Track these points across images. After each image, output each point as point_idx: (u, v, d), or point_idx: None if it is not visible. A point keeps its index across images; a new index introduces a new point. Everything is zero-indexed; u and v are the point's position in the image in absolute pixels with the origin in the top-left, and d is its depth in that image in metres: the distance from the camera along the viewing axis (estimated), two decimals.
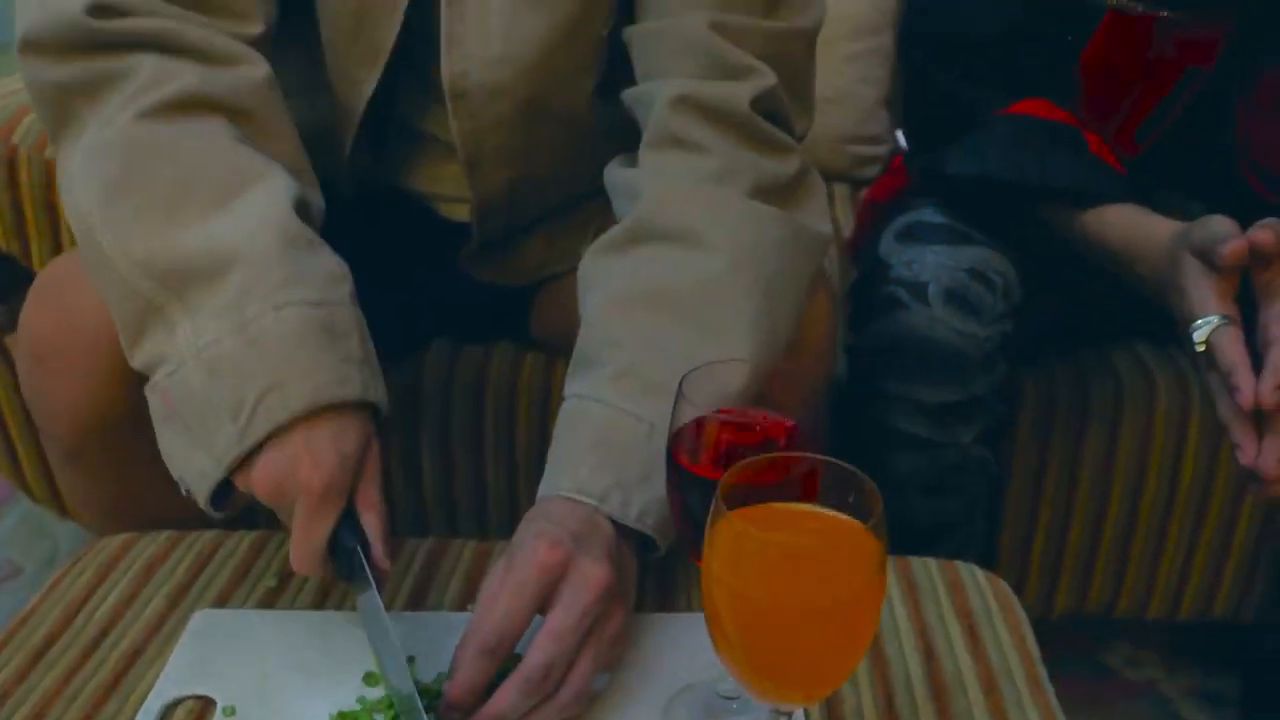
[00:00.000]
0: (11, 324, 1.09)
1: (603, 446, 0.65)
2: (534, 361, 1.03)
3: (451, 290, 0.99)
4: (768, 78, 0.77)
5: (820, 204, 0.80)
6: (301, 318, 0.61)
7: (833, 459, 0.47)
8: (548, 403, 1.02)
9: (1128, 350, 1.08)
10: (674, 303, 0.69)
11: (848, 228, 1.30)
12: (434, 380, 1.03)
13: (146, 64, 0.68)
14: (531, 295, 1.01)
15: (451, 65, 0.81)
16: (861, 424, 0.91)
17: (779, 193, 0.77)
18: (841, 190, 1.42)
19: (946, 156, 0.90)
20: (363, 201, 0.94)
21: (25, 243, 1.06)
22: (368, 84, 0.84)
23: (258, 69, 0.71)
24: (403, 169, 0.94)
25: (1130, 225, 0.83)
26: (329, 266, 0.65)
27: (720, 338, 0.68)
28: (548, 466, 0.67)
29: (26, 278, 1.07)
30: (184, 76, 0.67)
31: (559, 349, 0.99)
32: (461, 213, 0.93)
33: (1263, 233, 0.71)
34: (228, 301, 0.61)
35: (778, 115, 0.79)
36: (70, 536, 1.39)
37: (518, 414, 1.03)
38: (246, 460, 0.60)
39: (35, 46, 0.69)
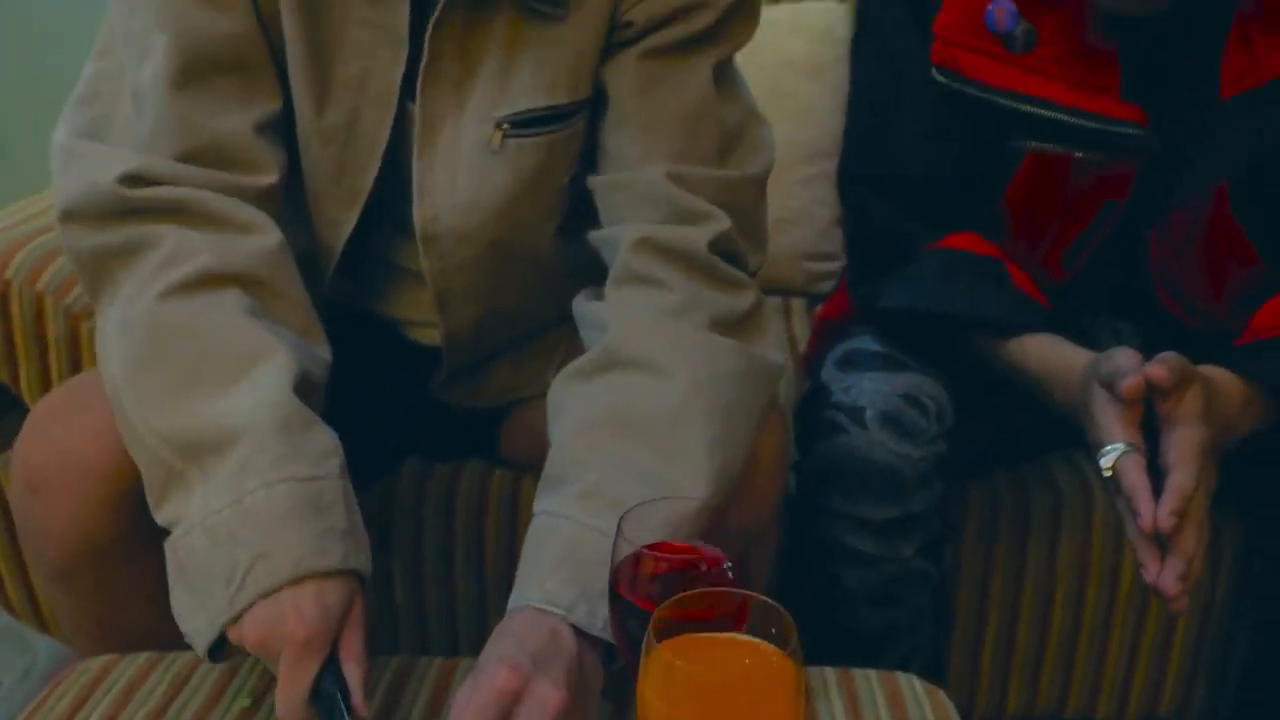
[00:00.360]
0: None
1: (570, 560, 0.70)
2: (503, 479, 1.08)
3: (423, 411, 1.05)
4: (722, 222, 0.84)
5: (773, 336, 0.87)
6: (291, 493, 0.68)
7: (755, 594, 0.53)
8: (516, 519, 1.07)
9: (1066, 461, 1.14)
10: (637, 428, 0.75)
11: (804, 340, 1.36)
12: (406, 498, 1.08)
13: (170, 236, 0.76)
14: (500, 416, 1.06)
15: (423, 212, 0.88)
16: (811, 538, 0.96)
17: (735, 326, 0.83)
18: (799, 304, 1.49)
19: (881, 290, 0.96)
20: (340, 327, 0.99)
21: (15, 370, 1.11)
22: (346, 224, 0.91)
23: (271, 237, 0.79)
24: (377, 296, 1.01)
25: (1047, 355, 0.90)
26: (321, 444, 0.72)
27: (680, 460, 0.74)
28: (517, 578, 0.72)
29: (15, 403, 1.13)
30: (202, 253, 0.75)
31: (527, 467, 1.05)
32: (433, 337, 0.99)
33: (1157, 368, 0.78)
34: (231, 474, 0.68)
35: (732, 255, 0.86)
36: (50, 650, 1.42)
37: (486, 530, 1.08)
38: (237, 618, 0.67)
39: (75, 216, 0.78)
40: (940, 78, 0.94)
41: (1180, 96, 0.92)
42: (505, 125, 0.86)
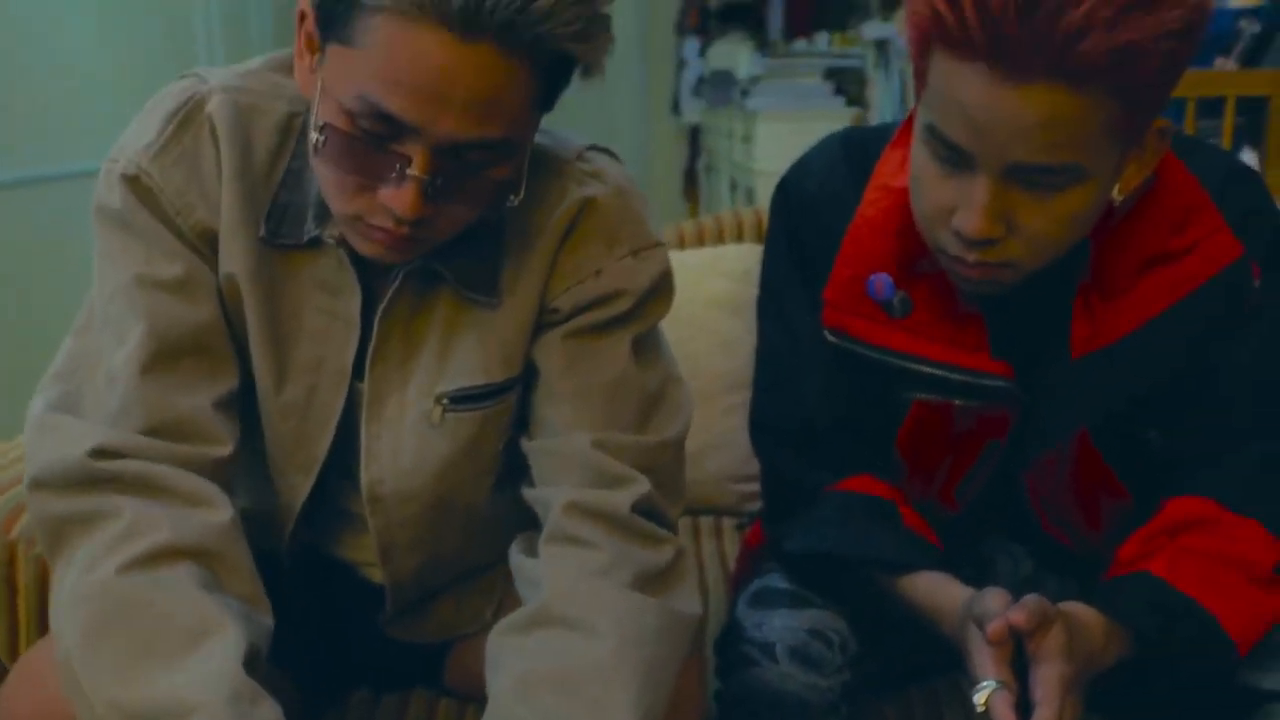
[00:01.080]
0: None
1: None
2: (448, 708, 1.14)
3: (372, 644, 1.12)
4: (643, 485, 0.94)
5: (691, 586, 0.96)
6: None
7: None
8: None
9: None
10: (569, 685, 0.83)
11: (733, 558, 1.45)
12: None
13: (129, 509, 0.83)
14: (445, 649, 1.14)
15: (369, 475, 0.98)
16: None
17: (657, 580, 0.92)
18: (729, 524, 1.58)
19: (785, 532, 1.06)
20: (294, 565, 1.08)
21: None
22: (303, 487, 1.00)
23: (224, 513, 0.87)
24: (330, 540, 1.09)
25: (935, 591, 0.98)
26: (267, 716, 0.78)
27: (608, 714, 0.82)
28: None
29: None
30: (161, 528, 0.83)
31: (471, 697, 1.12)
32: (380, 576, 1.06)
33: (1018, 613, 0.87)
34: None
35: (654, 513, 0.95)
36: None
37: None
38: None
39: (43, 484, 0.85)
40: (831, 339, 1.04)
41: (1039, 356, 1.02)
42: (445, 401, 0.96)
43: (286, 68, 0.93)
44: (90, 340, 0.92)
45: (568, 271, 0.95)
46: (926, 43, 0.88)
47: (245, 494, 1.03)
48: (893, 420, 1.08)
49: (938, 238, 0.95)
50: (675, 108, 6.31)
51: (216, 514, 0.86)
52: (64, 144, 2.84)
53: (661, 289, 0.99)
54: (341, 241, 0.91)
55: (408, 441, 0.98)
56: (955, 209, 0.91)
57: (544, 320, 0.97)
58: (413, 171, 0.81)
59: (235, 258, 0.92)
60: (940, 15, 0.83)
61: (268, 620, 0.87)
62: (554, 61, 0.82)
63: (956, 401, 1.04)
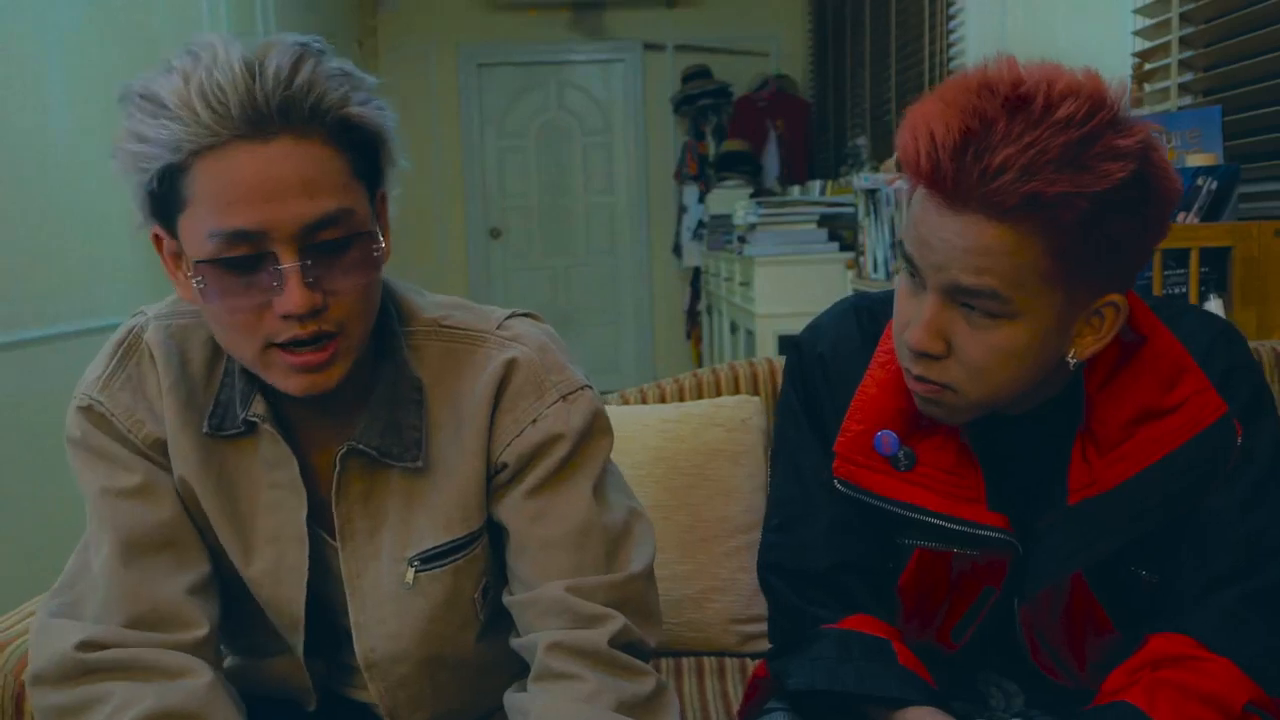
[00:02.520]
0: None
1: None
2: None
3: None
4: (618, 620, 1.02)
5: (672, 717, 1.02)
6: None
7: None
8: None
9: None
10: None
11: (736, 699, 1.50)
12: None
13: (119, 691, 0.93)
14: None
15: (362, 645, 1.07)
16: None
17: (640, 709, 0.99)
18: (732, 664, 1.63)
19: (789, 668, 1.11)
20: (322, 711, 1.15)
21: None
22: (298, 646, 1.09)
23: (203, 678, 0.97)
24: (346, 683, 1.17)
25: None
26: None
27: None
28: None
29: None
30: (147, 698, 0.92)
31: None
32: None
33: None
34: None
35: (631, 645, 1.02)
36: None
37: None
38: None
39: (41, 679, 0.96)
40: (841, 489, 1.12)
41: (1037, 503, 1.09)
42: (415, 563, 1.05)
43: None
44: (84, 555, 1.04)
45: (507, 427, 1.05)
46: (906, 174, 0.99)
47: (271, 648, 1.12)
48: (896, 566, 1.14)
49: (900, 352, 1.05)
50: (676, 251, 6.50)
51: (197, 679, 0.96)
52: (84, 303, 2.97)
53: (595, 427, 1.08)
54: (266, 418, 1.01)
55: (388, 607, 1.06)
56: (907, 326, 1.01)
57: (495, 477, 1.06)
58: (285, 265, 0.89)
59: (183, 458, 1.03)
60: (906, 149, 0.96)
61: None
62: (348, 133, 0.92)
63: (955, 550, 1.11)
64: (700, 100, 6.23)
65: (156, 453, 1.03)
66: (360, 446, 1.02)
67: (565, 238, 6.78)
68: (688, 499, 1.62)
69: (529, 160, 6.75)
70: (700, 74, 6.31)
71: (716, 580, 1.63)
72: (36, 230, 2.76)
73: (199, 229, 0.90)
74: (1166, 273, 1.94)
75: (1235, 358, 1.08)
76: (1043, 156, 0.90)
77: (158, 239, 0.96)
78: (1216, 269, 1.95)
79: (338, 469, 1.03)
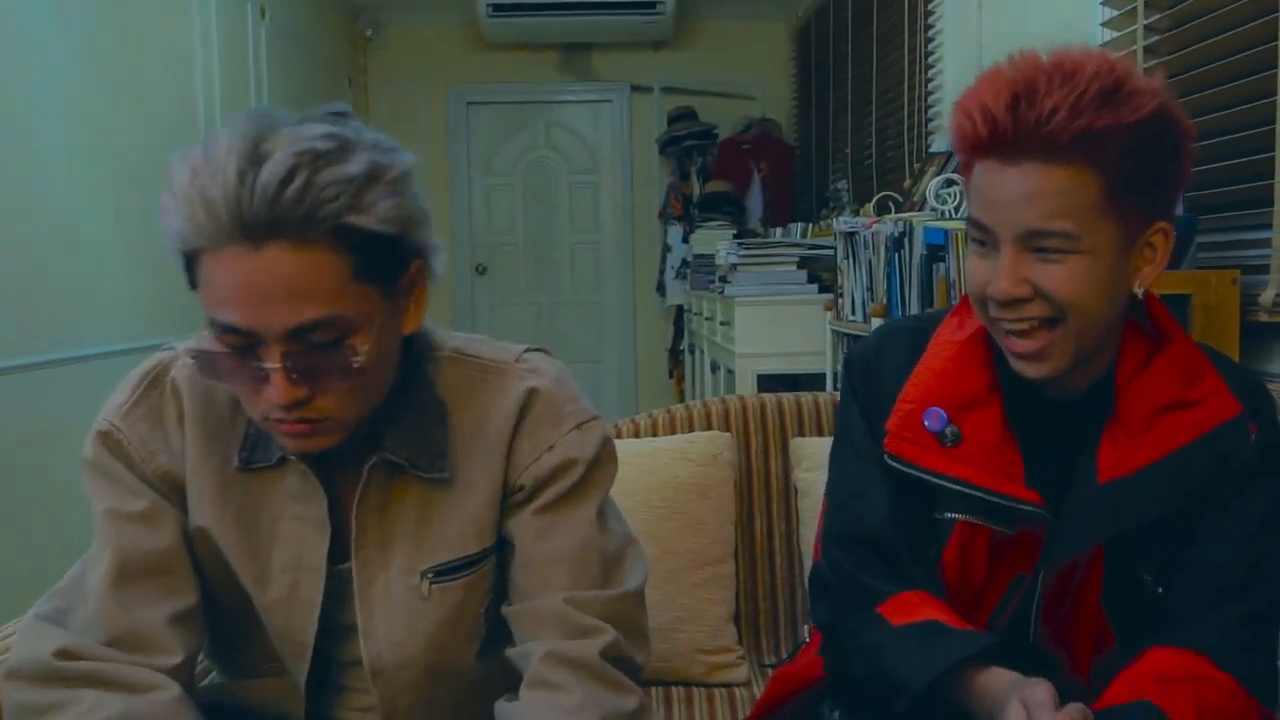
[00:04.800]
0: None
1: None
2: None
3: None
4: (610, 634, 1.07)
5: None
6: None
7: None
8: None
9: None
10: None
11: None
12: None
13: (87, 698, 0.97)
14: None
15: (369, 650, 1.11)
16: None
17: None
18: (700, 694, 1.66)
19: (850, 663, 1.18)
20: None
21: None
22: (301, 672, 1.12)
23: (169, 692, 1.00)
24: (338, 707, 1.19)
25: (984, 677, 1.09)
26: None
27: None
28: None
29: None
30: (112, 706, 0.96)
31: None
32: None
33: (1068, 714, 0.98)
34: None
35: (621, 660, 1.07)
36: None
37: None
38: None
39: (15, 674, 0.99)
40: (891, 462, 1.19)
41: (1068, 483, 1.17)
42: (430, 575, 1.10)
43: None
44: (84, 566, 1.08)
45: (526, 452, 1.12)
46: (963, 156, 1.12)
47: (267, 674, 1.16)
48: (938, 545, 1.20)
49: (986, 315, 1.15)
50: (660, 290, 6.56)
51: (165, 694, 0.99)
52: (80, 330, 3.01)
53: (605, 454, 1.15)
54: (304, 456, 1.06)
55: (399, 616, 1.10)
56: (989, 282, 1.11)
57: (510, 498, 1.13)
58: (268, 365, 0.94)
59: (202, 490, 1.08)
60: (962, 127, 1.09)
61: None
62: (349, 238, 0.94)
63: (993, 527, 1.18)
64: (686, 141, 6.31)
65: (165, 484, 1.08)
66: (390, 457, 1.07)
67: (550, 275, 6.84)
68: (657, 531, 1.66)
69: (515, 198, 6.82)
70: (686, 115, 6.40)
71: (685, 611, 1.67)
72: (26, 260, 2.80)
73: (207, 308, 0.96)
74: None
75: (1263, 400, 1.19)
76: (1084, 98, 1.03)
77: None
78: (1176, 315, 2.00)
79: (364, 480, 1.08)
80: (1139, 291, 1.13)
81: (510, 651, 1.11)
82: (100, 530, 1.06)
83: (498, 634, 1.15)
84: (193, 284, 0.97)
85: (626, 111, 6.75)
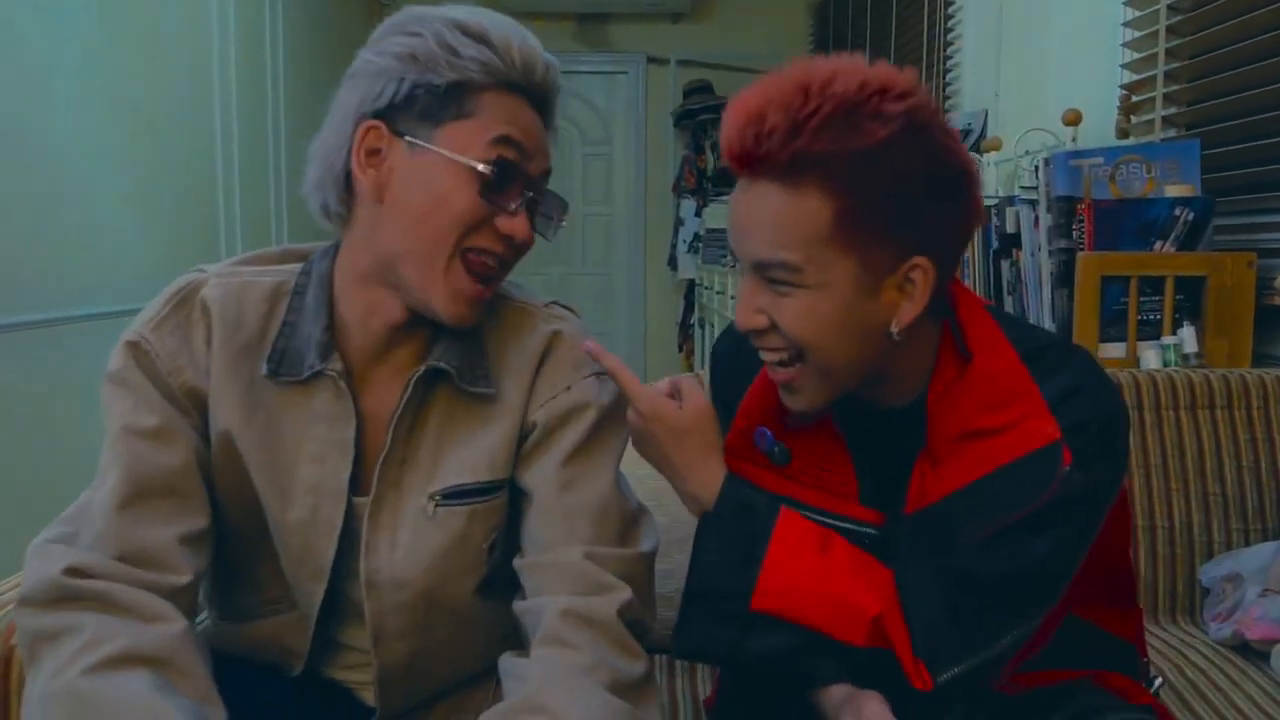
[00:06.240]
0: None
1: None
2: None
3: None
4: (626, 592, 1.07)
5: (655, 702, 1.06)
6: None
7: None
8: None
9: None
10: None
11: (704, 696, 1.54)
12: None
13: (91, 624, 0.96)
14: None
15: (369, 563, 1.12)
16: None
17: (630, 689, 1.03)
18: (702, 664, 1.67)
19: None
20: (300, 691, 1.19)
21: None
22: (318, 593, 1.13)
23: (177, 625, 0.99)
24: (331, 663, 1.21)
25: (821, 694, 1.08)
26: None
27: None
28: None
29: None
30: (118, 637, 0.95)
31: None
32: (370, 696, 1.19)
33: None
34: None
35: (634, 622, 1.08)
36: None
37: None
38: None
39: (26, 600, 0.99)
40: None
41: (893, 507, 1.12)
42: (438, 497, 1.11)
43: (272, 259, 1.16)
44: (91, 493, 1.07)
45: (543, 390, 1.14)
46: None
47: (262, 615, 1.17)
48: None
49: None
50: (672, 264, 6.55)
51: (170, 626, 0.99)
52: (89, 288, 3.02)
53: (620, 408, 1.17)
54: (340, 375, 1.09)
55: (403, 534, 1.11)
56: None
57: (529, 440, 1.14)
58: (530, 195, 1.08)
59: (228, 407, 1.09)
60: (722, 143, 1.04)
61: (219, 715, 0.97)
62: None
63: None
64: (701, 115, 6.29)
65: (189, 400, 1.09)
66: (440, 364, 1.10)
67: (561, 247, 6.83)
68: (665, 500, 1.67)
69: None
70: (702, 89, 6.38)
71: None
72: (37, 220, 2.81)
73: (476, 139, 1.05)
74: (1142, 299, 2.00)
75: (1093, 409, 1.04)
76: (810, 120, 0.96)
77: (371, 131, 1.07)
78: (1191, 297, 2.01)
79: (407, 392, 1.10)
80: (894, 332, 1.03)
81: (519, 605, 1.11)
82: (111, 448, 1.06)
83: (499, 580, 1.16)
84: (425, 115, 1.06)
85: (642, 83, 6.72)
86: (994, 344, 1.08)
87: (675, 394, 1.17)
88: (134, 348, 1.08)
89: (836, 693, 1.07)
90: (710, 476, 1.14)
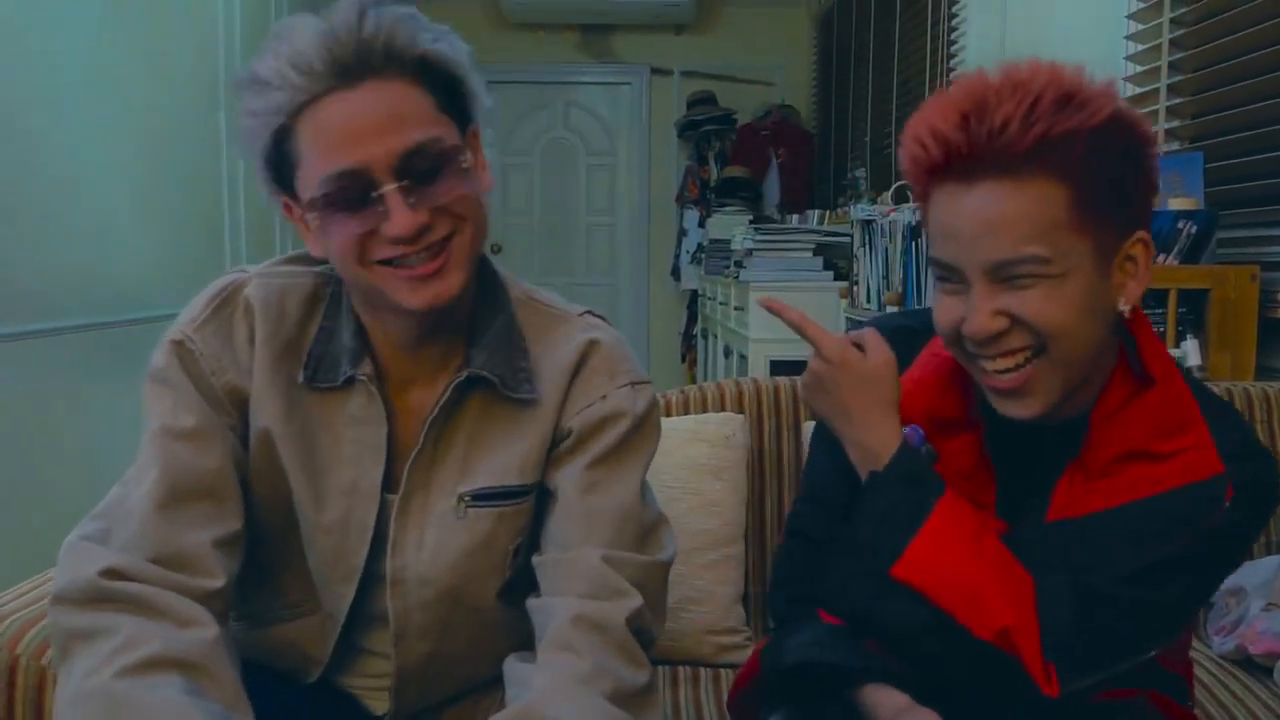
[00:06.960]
0: None
1: None
2: None
3: None
4: (636, 599, 1.08)
5: (657, 714, 1.07)
6: None
7: None
8: None
9: None
10: None
11: (710, 709, 1.55)
12: None
13: (126, 625, 0.96)
14: None
15: (395, 561, 1.13)
16: None
17: (632, 699, 1.03)
18: (706, 674, 1.67)
19: (783, 649, 1.16)
20: (313, 698, 1.20)
21: None
22: (347, 597, 1.14)
23: (210, 630, 0.99)
24: (345, 671, 1.21)
25: (877, 695, 1.09)
26: None
27: None
28: None
29: None
30: (152, 642, 0.95)
31: None
32: (383, 706, 1.19)
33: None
34: None
35: (642, 630, 1.08)
36: None
37: None
38: None
39: (60, 599, 0.99)
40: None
41: (1027, 515, 1.13)
42: (467, 498, 1.12)
43: (313, 260, 1.15)
44: (125, 487, 1.08)
45: (579, 398, 1.15)
46: (919, 185, 1.05)
47: (284, 614, 1.17)
48: None
49: (962, 354, 1.08)
50: (675, 274, 6.56)
51: (203, 632, 0.99)
52: (92, 293, 3.03)
53: (653, 417, 1.18)
54: (371, 379, 1.10)
55: (430, 533, 1.12)
56: (963, 321, 1.04)
57: (558, 444, 1.15)
58: (386, 189, 1.00)
59: (269, 407, 1.10)
60: (913, 152, 1.03)
61: None
62: (429, 73, 1.05)
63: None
64: (704, 126, 6.31)
65: (230, 400, 1.10)
66: (481, 372, 1.11)
67: (565, 256, 6.86)
68: (671, 512, 1.66)
69: (533, 178, 6.83)
70: (705, 100, 6.39)
71: (695, 591, 1.68)
72: (46, 225, 2.82)
73: (312, 179, 1.02)
74: (1145, 311, 2.00)
75: (1255, 450, 1.07)
76: (1039, 104, 0.97)
77: (288, 207, 1.08)
78: (1194, 310, 2.01)
79: (445, 395, 1.11)
80: (1125, 309, 1.05)
81: (533, 601, 1.11)
82: (148, 448, 1.06)
83: (521, 584, 1.16)
84: (284, 178, 1.04)
85: (646, 94, 6.74)
86: (1173, 372, 1.09)
87: (859, 346, 1.18)
88: (179, 346, 1.09)
89: (890, 704, 1.08)
90: (886, 431, 1.14)
